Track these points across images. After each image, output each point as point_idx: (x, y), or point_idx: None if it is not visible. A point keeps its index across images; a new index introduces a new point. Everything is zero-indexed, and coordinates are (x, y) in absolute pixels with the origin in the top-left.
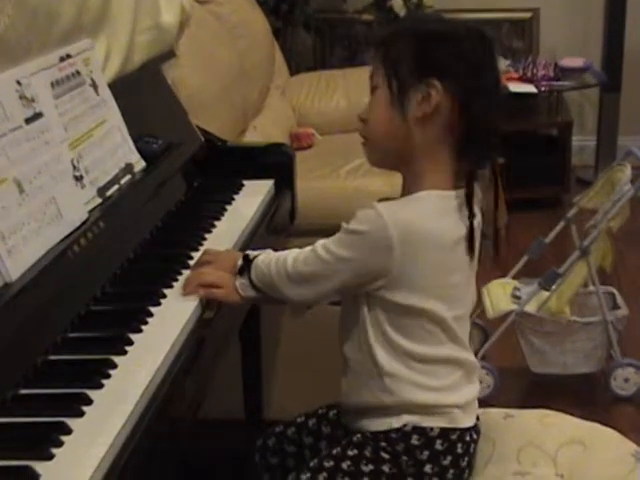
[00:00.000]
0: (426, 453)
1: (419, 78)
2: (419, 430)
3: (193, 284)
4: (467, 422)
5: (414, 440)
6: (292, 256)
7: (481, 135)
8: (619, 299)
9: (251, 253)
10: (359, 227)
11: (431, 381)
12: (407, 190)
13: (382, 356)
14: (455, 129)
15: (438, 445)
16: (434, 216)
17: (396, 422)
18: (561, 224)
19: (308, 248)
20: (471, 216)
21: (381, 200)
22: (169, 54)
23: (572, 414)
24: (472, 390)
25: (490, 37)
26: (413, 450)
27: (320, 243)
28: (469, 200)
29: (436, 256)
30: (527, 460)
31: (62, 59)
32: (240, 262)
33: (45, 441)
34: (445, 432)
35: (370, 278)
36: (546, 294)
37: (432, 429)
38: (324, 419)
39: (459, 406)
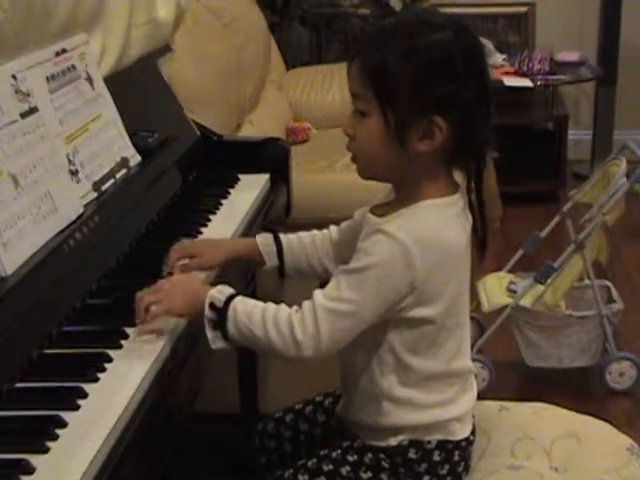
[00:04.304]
0: (424, 465)
1: (419, 113)
2: (416, 444)
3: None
4: (464, 432)
5: (411, 454)
6: (298, 329)
7: (476, 142)
8: (614, 293)
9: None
10: (372, 260)
11: (430, 398)
12: (404, 199)
13: (386, 379)
14: (451, 145)
15: (436, 456)
16: (443, 224)
17: (393, 440)
18: (556, 218)
19: (306, 310)
20: (481, 214)
21: (374, 207)
22: (165, 49)
23: (567, 407)
24: (469, 399)
25: (479, 43)
26: (411, 463)
27: (321, 305)
28: (479, 200)
29: (453, 264)
30: (521, 453)
31: (58, 54)
32: (208, 312)
33: (41, 434)
34: (442, 443)
35: (397, 300)
36: (541, 288)
37: (429, 442)
38: (320, 407)
39: (457, 419)
